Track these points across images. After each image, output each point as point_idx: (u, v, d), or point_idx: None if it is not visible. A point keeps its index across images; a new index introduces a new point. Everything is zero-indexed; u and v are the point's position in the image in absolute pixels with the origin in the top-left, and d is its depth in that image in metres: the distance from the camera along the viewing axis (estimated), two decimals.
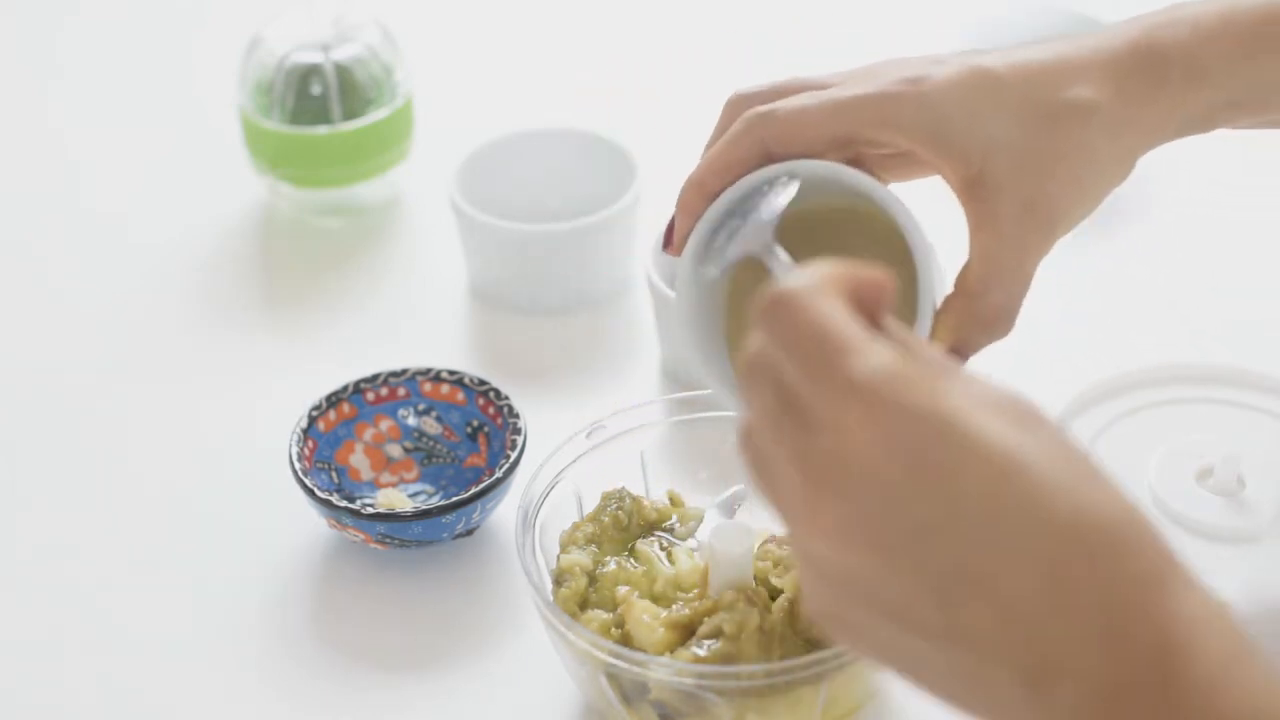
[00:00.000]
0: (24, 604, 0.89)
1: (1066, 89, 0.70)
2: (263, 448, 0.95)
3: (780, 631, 0.77)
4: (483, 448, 0.92)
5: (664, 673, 0.75)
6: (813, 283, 0.54)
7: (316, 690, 0.84)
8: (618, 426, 0.87)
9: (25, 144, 1.24)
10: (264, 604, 0.88)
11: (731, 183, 0.71)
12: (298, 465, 0.89)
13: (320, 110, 1.11)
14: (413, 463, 0.94)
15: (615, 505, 0.84)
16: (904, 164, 0.75)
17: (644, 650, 0.77)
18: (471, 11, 1.37)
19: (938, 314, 0.71)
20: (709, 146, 0.74)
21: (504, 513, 0.90)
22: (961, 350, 0.72)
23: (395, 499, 0.90)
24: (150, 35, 1.35)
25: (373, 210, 1.15)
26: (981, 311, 0.71)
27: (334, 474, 0.91)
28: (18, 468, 0.97)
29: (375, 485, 0.92)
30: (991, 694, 0.53)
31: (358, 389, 0.93)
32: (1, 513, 0.95)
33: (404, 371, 0.94)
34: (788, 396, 0.54)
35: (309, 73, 1.10)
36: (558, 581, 0.81)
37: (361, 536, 0.87)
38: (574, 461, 0.85)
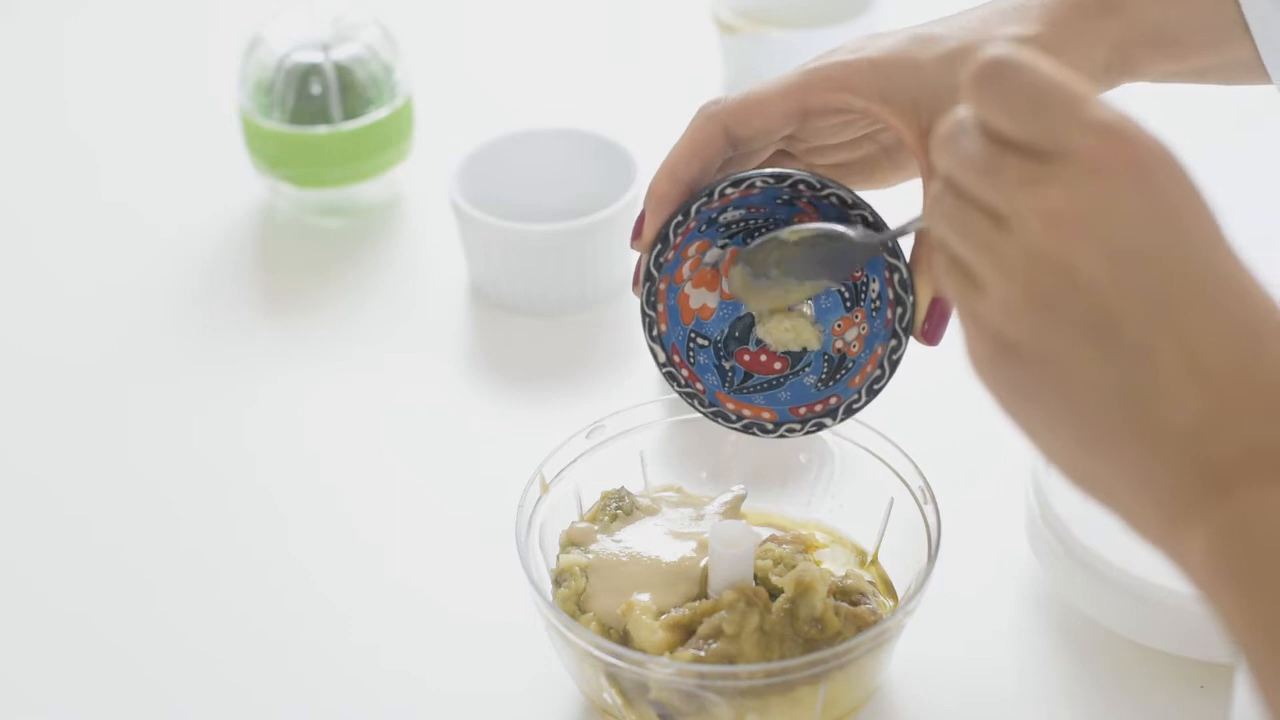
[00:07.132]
0: (22, 604, 0.90)
1: (998, 30, 0.75)
2: (260, 447, 0.95)
3: (780, 631, 0.77)
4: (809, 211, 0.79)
5: (664, 673, 0.75)
6: (1024, 50, 0.57)
7: (316, 691, 0.84)
8: (618, 426, 0.87)
9: (26, 143, 1.24)
10: (261, 603, 0.88)
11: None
12: (674, 368, 0.79)
13: (320, 110, 1.11)
14: (735, 251, 0.81)
15: (615, 505, 0.84)
16: (864, 167, 0.78)
17: (644, 650, 0.77)
18: (471, 11, 1.37)
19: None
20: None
21: None
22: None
23: (786, 330, 0.81)
24: (150, 35, 1.35)
25: (373, 210, 1.15)
26: None
27: (695, 339, 0.81)
28: (15, 463, 0.97)
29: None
30: (1149, 425, 0.55)
31: (663, 240, 0.77)
32: None
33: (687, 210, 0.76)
34: (1001, 149, 0.57)
35: (309, 72, 1.10)
36: (557, 582, 0.81)
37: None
38: (574, 461, 0.85)
